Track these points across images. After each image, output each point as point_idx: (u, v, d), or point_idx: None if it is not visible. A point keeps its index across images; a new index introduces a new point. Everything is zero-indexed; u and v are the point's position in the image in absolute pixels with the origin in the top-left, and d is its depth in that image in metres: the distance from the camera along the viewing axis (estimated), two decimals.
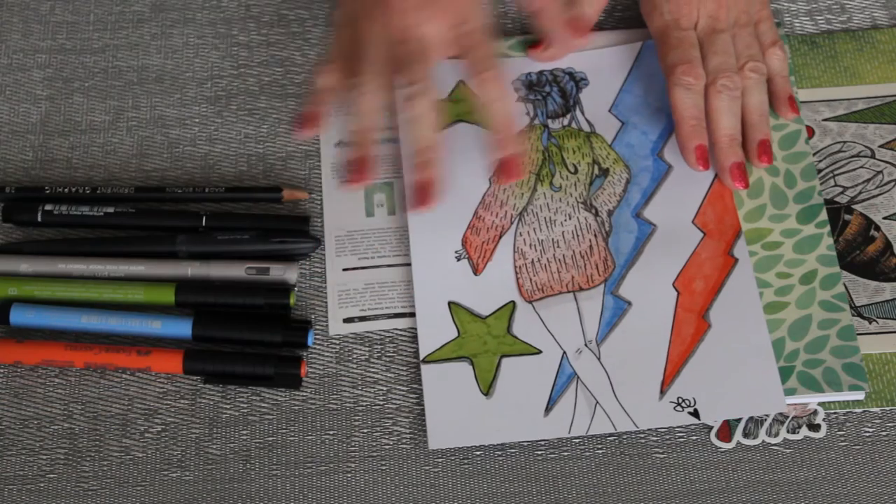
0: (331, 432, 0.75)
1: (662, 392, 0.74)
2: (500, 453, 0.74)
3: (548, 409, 0.74)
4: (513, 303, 0.77)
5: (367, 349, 0.77)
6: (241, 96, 0.86)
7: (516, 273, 0.78)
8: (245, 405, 0.76)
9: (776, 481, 0.73)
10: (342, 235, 0.80)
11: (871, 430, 0.74)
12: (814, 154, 0.82)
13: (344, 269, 0.79)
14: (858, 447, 0.74)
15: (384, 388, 0.76)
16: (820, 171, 0.81)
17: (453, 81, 0.85)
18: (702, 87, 0.80)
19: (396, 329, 0.78)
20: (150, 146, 0.84)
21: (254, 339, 0.76)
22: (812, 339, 0.75)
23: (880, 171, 0.81)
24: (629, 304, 0.77)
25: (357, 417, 0.75)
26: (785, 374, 0.74)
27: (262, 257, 0.79)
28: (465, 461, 0.74)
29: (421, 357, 0.76)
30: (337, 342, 0.77)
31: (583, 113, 0.84)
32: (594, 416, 0.73)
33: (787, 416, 0.74)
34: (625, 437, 0.74)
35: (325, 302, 0.78)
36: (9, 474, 0.74)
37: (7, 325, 0.77)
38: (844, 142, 0.82)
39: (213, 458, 0.74)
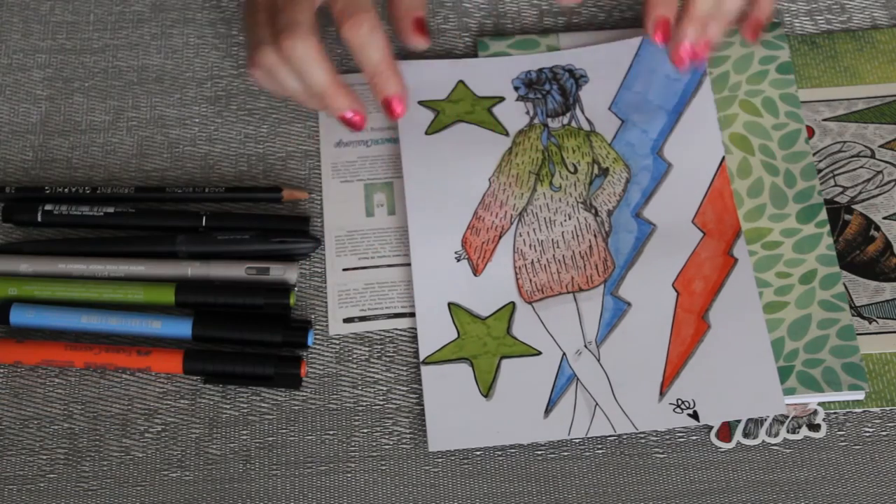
0: (331, 432, 0.75)
1: (662, 393, 0.74)
2: (500, 453, 0.74)
3: (547, 411, 0.74)
4: (512, 304, 0.77)
5: (367, 349, 0.77)
6: (241, 96, 0.86)
7: (516, 274, 0.78)
8: (245, 405, 0.76)
9: (776, 481, 0.73)
10: (342, 235, 0.80)
11: (871, 430, 0.74)
12: (814, 154, 0.82)
13: (344, 269, 0.79)
14: (858, 447, 0.74)
15: (384, 388, 0.76)
16: (820, 171, 0.81)
17: (453, 81, 0.85)
18: None
19: (396, 329, 0.78)
20: (150, 146, 0.84)
21: (254, 339, 0.76)
22: (812, 338, 0.75)
23: (880, 171, 0.81)
24: (629, 304, 0.77)
25: (357, 417, 0.75)
26: (784, 373, 0.74)
27: (262, 257, 0.79)
28: (465, 461, 0.74)
29: (421, 358, 0.76)
30: (337, 342, 0.77)
31: (583, 111, 0.84)
32: (594, 418, 0.74)
33: (787, 416, 0.74)
34: (625, 437, 0.74)
35: (325, 302, 0.78)
36: (9, 474, 0.74)
37: (7, 325, 0.77)
38: (844, 142, 0.82)
39: (213, 458, 0.74)
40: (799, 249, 0.78)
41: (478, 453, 0.74)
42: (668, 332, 0.76)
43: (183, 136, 0.85)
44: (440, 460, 0.74)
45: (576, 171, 0.82)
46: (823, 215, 0.79)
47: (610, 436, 0.74)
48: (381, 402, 0.75)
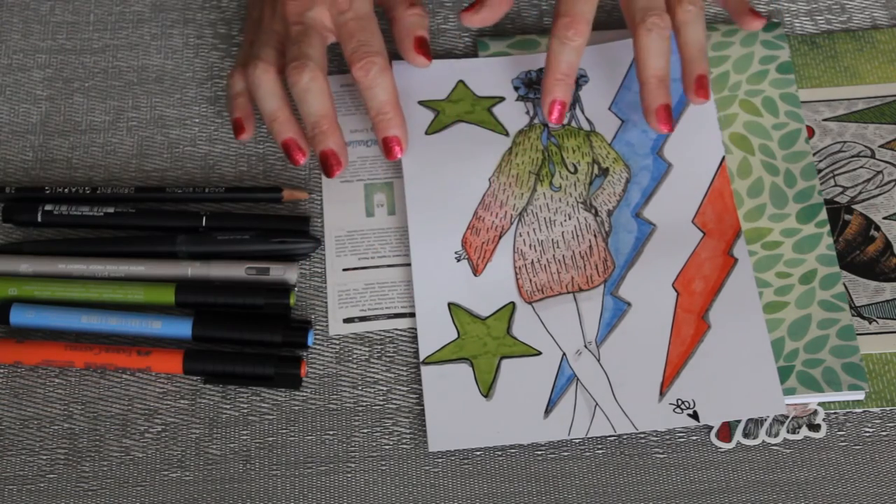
0: (331, 432, 0.75)
1: (662, 394, 0.74)
2: (500, 453, 0.74)
3: (547, 411, 0.74)
4: (512, 304, 0.77)
5: (367, 349, 0.77)
6: None
7: (516, 274, 0.78)
8: (245, 405, 0.76)
9: (776, 481, 0.73)
10: (342, 235, 0.80)
11: (871, 430, 0.74)
12: (814, 154, 0.82)
13: (344, 270, 0.79)
14: (858, 447, 0.74)
15: (384, 389, 0.76)
16: (820, 171, 0.81)
17: (453, 81, 0.85)
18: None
19: (396, 329, 0.78)
20: (150, 146, 0.84)
21: (254, 339, 0.76)
22: (812, 338, 0.75)
23: (880, 171, 0.81)
24: (629, 304, 0.77)
25: (357, 417, 0.75)
26: (784, 373, 0.74)
27: (262, 257, 0.79)
28: (465, 461, 0.74)
29: (421, 359, 0.76)
30: (337, 342, 0.77)
31: (582, 111, 0.84)
32: (594, 418, 0.74)
33: (787, 417, 0.74)
34: (625, 437, 0.74)
35: (325, 302, 0.78)
36: (9, 474, 0.74)
37: (7, 325, 0.77)
38: (844, 142, 0.82)
39: (213, 458, 0.74)
40: (799, 249, 0.78)
41: (478, 453, 0.74)
42: (668, 332, 0.76)
43: (183, 137, 0.85)
44: (440, 460, 0.74)
45: (576, 171, 0.82)
46: (823, 215, 0.79)
47: (610, 436, 0.74)
48: (381, 403, 0.75)
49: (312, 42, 0.79)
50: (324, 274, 0.79)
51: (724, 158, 0.82)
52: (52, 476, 0.74)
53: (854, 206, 0.80)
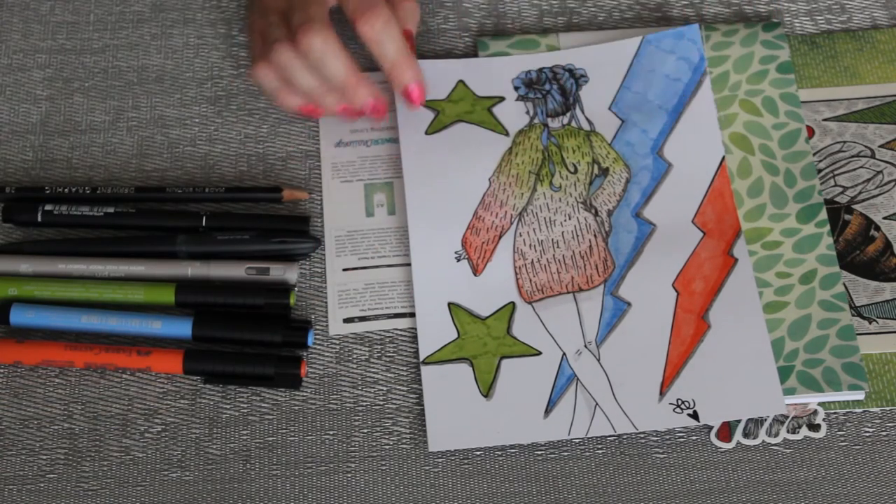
0: (331, 432, 0.75)
1: (662, 394, 0.74)
2: (500, 453, 0.74)
3: (547, 411, 0.74)
4: (512, 304, 0.77)
5: (367, 349, 0.77)
6: (241, 96, 0.86)
7: (516, 274, 0.78)
8: (245, 405, 0.76)
9: (776, 481, 0.73)
10: (342, 235, 0.80)
11: (871, 430, 0.74)
12: (814, 154, 0.82)
13: (344, 269, 0.79)
14: (858, 447, 0.74)
15: (384, 389, 0.76)
16: (820, 170, 0.81)
17: (453, 81, 0.85)
18: None
19: (396, 329, 0.78)
20: (150, 146, 0.84)
21: (254, 339, 0.76)
22: (812, 338, 0.75)
23: (880, 171, 0.81)
24: (629, 304, 0.77)
25: (357, 417, 0.75)
26: (784, 373, 0.74)
27: (262, 257, 0.79)
28: (466, 461, 0.74)
29: (421, 358, 0.76)
30: (337, 342, 0.77)
31: (583, 111, 0.84)
32: (594, 418, 0.74)
33: (787, 416, 0.74)
34: (625, 437, 0.74)
35: (325, 302, 0.78)
36: (9, 474, 0.74)
37: (7, 325, 0.77)
38: (844, 142, 0.82)
39: (213, 458, 0.74)
40: (799, 249, 0.78)
41: (478, 453, 0.74)
42: (668, 332, 0.76)
43: (183, 137, 0.85)
44: (440, 460, 0.74)
45: (576, 170, 0.82)
46: (823, 215, 0.79)
47: (610, 436, 0.74)
48: (381, 402, 0.75)
49: (315, 5, 0.78)
50: (324, 274, 0.79)
51: (724, 158, 0.82)
52: (52, 476, 0.74)
53: (854, 206, 0.80)
